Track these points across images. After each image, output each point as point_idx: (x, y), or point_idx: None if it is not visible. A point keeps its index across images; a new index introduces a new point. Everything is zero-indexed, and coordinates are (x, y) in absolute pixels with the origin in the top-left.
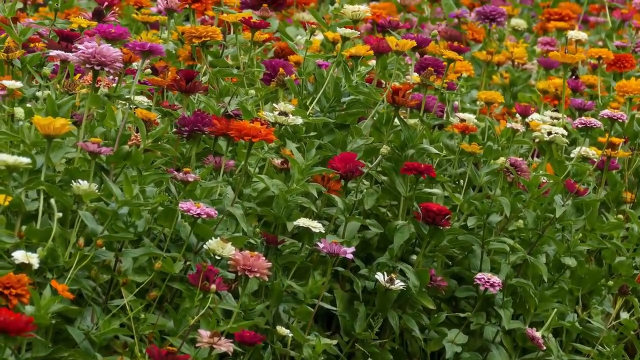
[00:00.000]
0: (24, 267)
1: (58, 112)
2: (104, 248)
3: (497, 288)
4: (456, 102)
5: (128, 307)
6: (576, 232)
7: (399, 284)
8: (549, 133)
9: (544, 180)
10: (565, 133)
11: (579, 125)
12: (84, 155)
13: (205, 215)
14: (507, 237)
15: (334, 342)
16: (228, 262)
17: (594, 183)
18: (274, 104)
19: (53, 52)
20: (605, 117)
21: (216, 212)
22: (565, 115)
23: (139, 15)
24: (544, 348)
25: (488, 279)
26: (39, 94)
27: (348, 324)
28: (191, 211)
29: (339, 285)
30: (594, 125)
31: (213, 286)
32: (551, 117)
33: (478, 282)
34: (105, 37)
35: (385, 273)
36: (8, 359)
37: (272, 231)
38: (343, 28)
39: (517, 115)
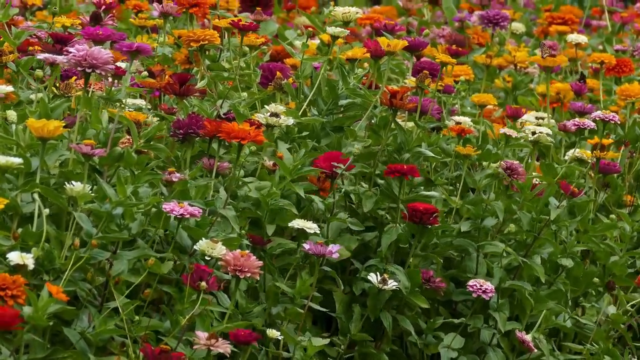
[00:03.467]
0: (19, 269)
1: (51, 115)
2: (96, 249)
3: (490, 295)
4: (456, 106)
5: (120, 308)
6: (572, 234)
7: (392, 284)
8: (533, 133)
9: (537, 183)
10: (550, 132)
11: (572, 127)
12: (77, 158)
13: (188, 215)
14: (504, 239)
15: (326, 341)
16: (219, 263)
17: (593, 184)
18: (265, 106)
19: (41, 55)
20: (597, 118)
21: (200, 211)
22: (550, 116)
23: (136, 19)
24: (535, 350)
25: (480, 285)
26: (33, 96)
27: (345, 325)
28: (174, 211)
29: (339, 288)
30: (587, 126)
31: (203, 283)
32: (536, 117)
33: (471, 289)
34: (94, 40)
35: (377, 274)
36: None
37: (265, 232)
38: (332, 27)
39: (507, 118)
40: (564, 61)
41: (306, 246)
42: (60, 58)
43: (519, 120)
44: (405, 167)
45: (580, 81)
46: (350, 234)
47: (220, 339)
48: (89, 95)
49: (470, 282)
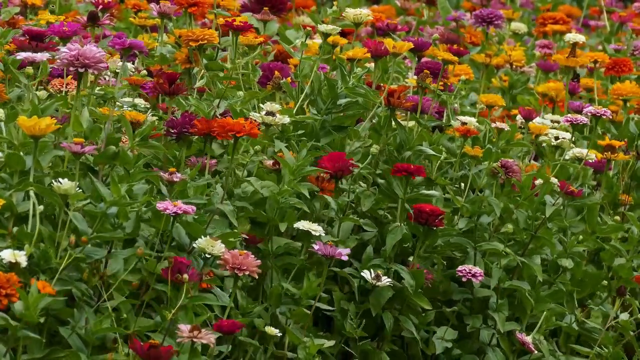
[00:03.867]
0: (12, 267)
1: (41, 115)
2: (89, 246)
3: (480, 278)
4: (456, 105)
5: (118, 308)
6: (576, 235)
7: (385, 281)
8: (557, 138)
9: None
10: (572, 137)
11: (565, 123)
12: (70, 157)
13: (182, 212)
14: (502, 238)
15: (331, 342)
16: (217, 262)
17: (590, 179)
18: (261, 104)
19: (21, 55)
20: (589, 114)
21: (194, 208)
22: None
23: (136, 19)
24: (535, 352)
25: (469, 269)
26: (25, 95)
27: (340, 323)
28: (168, 210)
29: (339, 287)
30: (580, 121)
31: (185, 275)
32: (551, 121)
33: (460, 274)
34: (60, 36)
35: (371, 270)
36: None
37: (266, 232)
38: (324, 25)
39: (521, 119)
40: (585, 62)
41: (316, 246)
42: (39, 56)
43: (529, 123)
44: (412, 166)
45: (574, 80)
46: (349, 232)
47: (203, 330)
48: (77, 94)
49: (459, 267)
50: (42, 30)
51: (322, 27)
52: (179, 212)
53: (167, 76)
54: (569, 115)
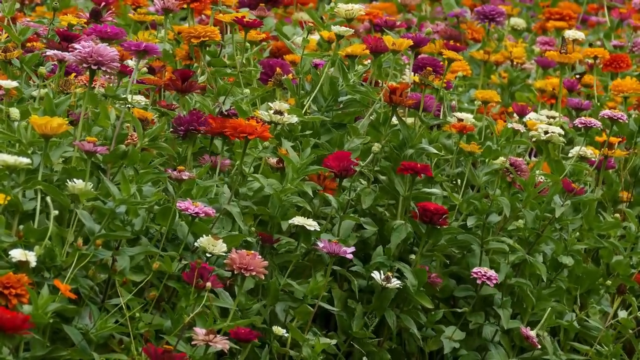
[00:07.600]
0: (21, 266)
1: (55, 111)
2: (100, 247)
3: (494, 282)
4: (454, 102)
5: (124, 306)
6: (573, 232)
7: (395, 282)
8: (546, 132)
9: (540, 180)
10: (562, 132)
11: (579, 125)
12: (80, 155)
13: (203, 214)
14: (507, 236)
15: (333, 341)
16: (224, 261)
17: (593, 183)
18: (269, 103)
19: (50, 52)
20: (606, 117)
21: (214, 211)
22: (561, 115)
23: (135, 15)
24: (539, 346)
25: (484, 272)
26: (35, 93)
27: (345, 322)
28: (189, 210)
29: (337, 285)
30: (594, 125)
31: (208, 284)
32: (547, 117)
33: (475, 276)
34: (102, 37)
35: (381, 271)
36: (6, 359)
37: (269, 230)
38: (337, 26)
39: (515, 114)
40: (578, 57)
41: (320, 244)
42: (68, 55)
43: (524, 118)
44: (418, 165)
45: (577, 77)
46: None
47: (218, 336)
48: (94, 92)
49: (475, 270)
50: (73, 33)
51: (336, 29)
52: (200, 212)
53: (181, 73)
54: (583, 118)
